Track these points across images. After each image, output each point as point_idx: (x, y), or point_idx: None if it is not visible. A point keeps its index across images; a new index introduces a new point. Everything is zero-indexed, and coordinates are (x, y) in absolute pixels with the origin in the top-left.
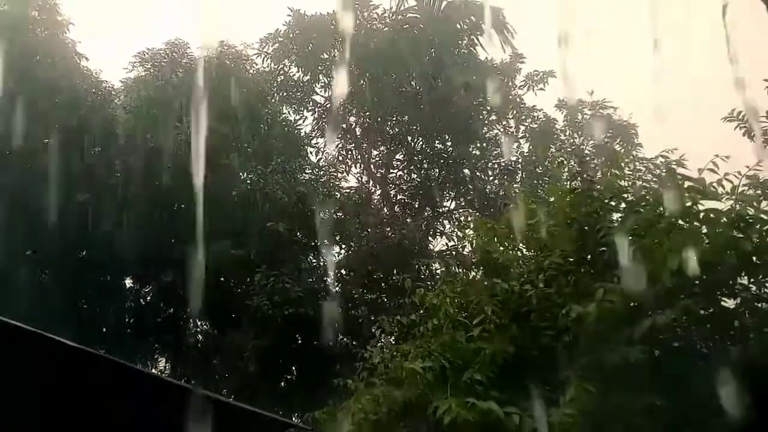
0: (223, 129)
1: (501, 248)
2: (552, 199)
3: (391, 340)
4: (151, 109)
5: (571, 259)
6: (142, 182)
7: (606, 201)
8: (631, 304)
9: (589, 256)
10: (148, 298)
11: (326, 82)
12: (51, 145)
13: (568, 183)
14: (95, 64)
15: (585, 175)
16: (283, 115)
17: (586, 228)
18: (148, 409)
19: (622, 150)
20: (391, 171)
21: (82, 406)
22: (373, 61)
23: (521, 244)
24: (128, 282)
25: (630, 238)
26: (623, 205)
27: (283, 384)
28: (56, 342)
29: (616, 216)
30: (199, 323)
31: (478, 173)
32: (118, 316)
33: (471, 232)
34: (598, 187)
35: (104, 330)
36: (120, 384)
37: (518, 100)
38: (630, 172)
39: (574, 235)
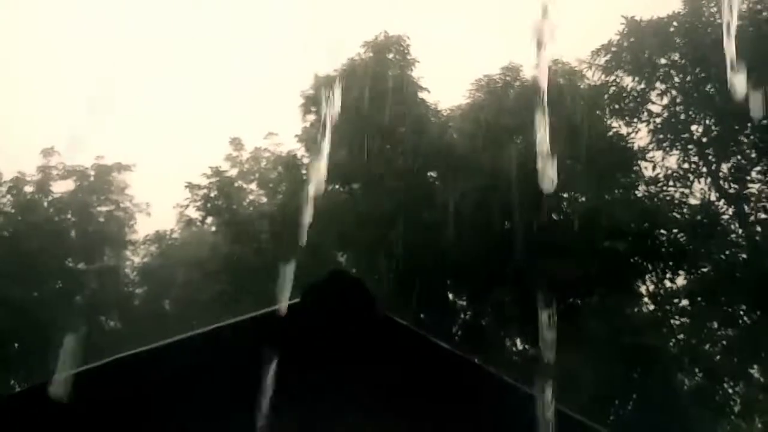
0: (555, 146)
1: None
2: None
3: None
4: (487, 132)
5: None
6: (478, 202)
7: None
8: None
9: None
10: (471, 313)
11: (663, 89)
12: (400, 167)
13: None
14: (434, 95)
15: None
16: (614, 129)
17: None
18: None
19: None
20: (749, 186)
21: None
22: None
23: None
24: (450, 296)
25: None
26: None
27: (612, 418)
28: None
29: None
30: (521, 343)
31: None
32: (447, 331)
33: None
34: None
35: None
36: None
37: None
38: None
39: None
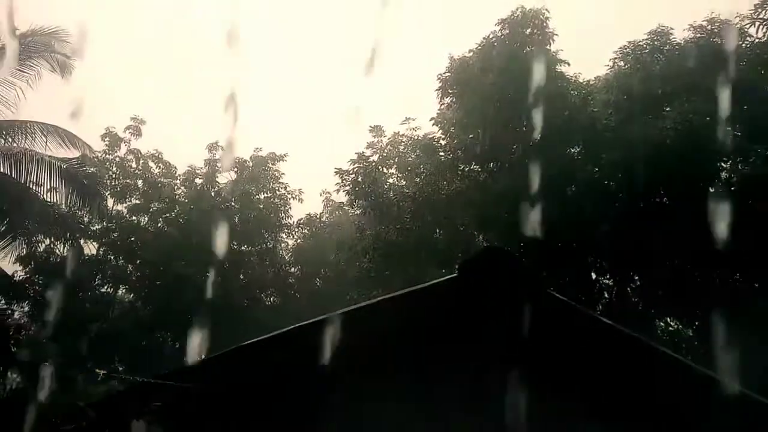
0: (715, 110)
1: None
2: None
3: None
4: (632, 101)
5: None
6: (624, 177)
7: None
8: None
9: None
10: (616, 291)
11: None
12: (540, 144)
13: None
14: (574, 68)
15: None
16: None
17: None
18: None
19: None
20: None
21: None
22: None
23: None
24: (594, 275)
25: None
26: None
27: None
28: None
29: None
30: (674, 323)
31: None
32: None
33: None
34: None
35: None
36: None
37: None
38: None
39: None
